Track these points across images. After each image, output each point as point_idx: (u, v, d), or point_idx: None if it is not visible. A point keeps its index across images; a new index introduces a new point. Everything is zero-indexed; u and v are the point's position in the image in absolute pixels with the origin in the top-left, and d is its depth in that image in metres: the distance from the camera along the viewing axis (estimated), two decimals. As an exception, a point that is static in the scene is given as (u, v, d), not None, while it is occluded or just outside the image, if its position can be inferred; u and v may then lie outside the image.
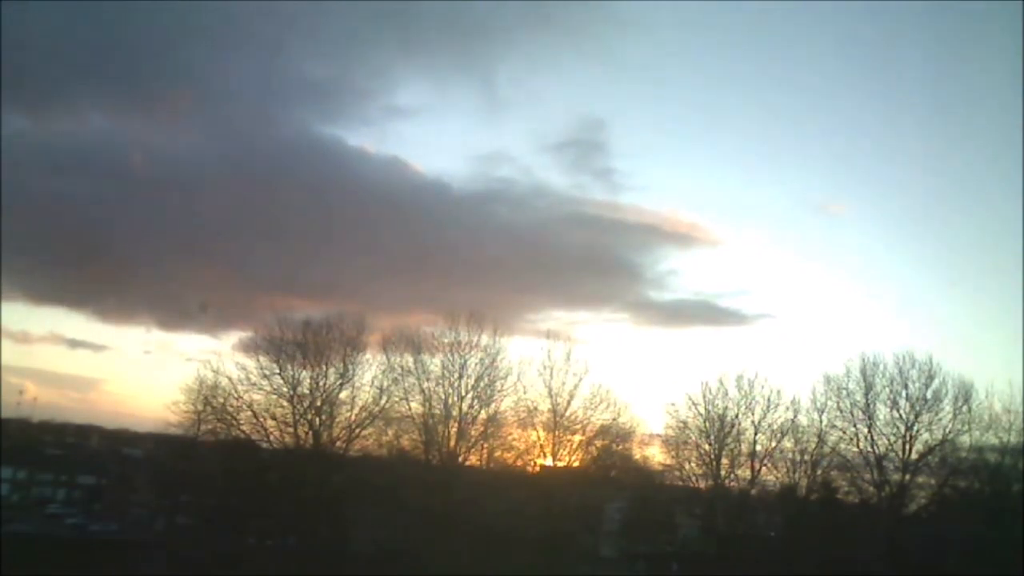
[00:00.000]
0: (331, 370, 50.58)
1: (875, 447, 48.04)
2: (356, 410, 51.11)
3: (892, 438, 47.71)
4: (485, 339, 51.95)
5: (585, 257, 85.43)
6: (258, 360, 50.01)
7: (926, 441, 47.46)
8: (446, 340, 51.88)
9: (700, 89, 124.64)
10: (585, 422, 52.51)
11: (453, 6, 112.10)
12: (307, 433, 50.45)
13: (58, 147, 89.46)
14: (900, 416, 47.69)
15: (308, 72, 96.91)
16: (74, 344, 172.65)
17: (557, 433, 52.52)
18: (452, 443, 51.40)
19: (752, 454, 50.65)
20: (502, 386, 51.84)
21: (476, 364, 51.85)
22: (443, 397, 51.21)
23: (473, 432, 51.78)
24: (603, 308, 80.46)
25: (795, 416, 50.20)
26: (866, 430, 48.23)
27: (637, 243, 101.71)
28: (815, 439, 49.43)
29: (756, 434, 50.53)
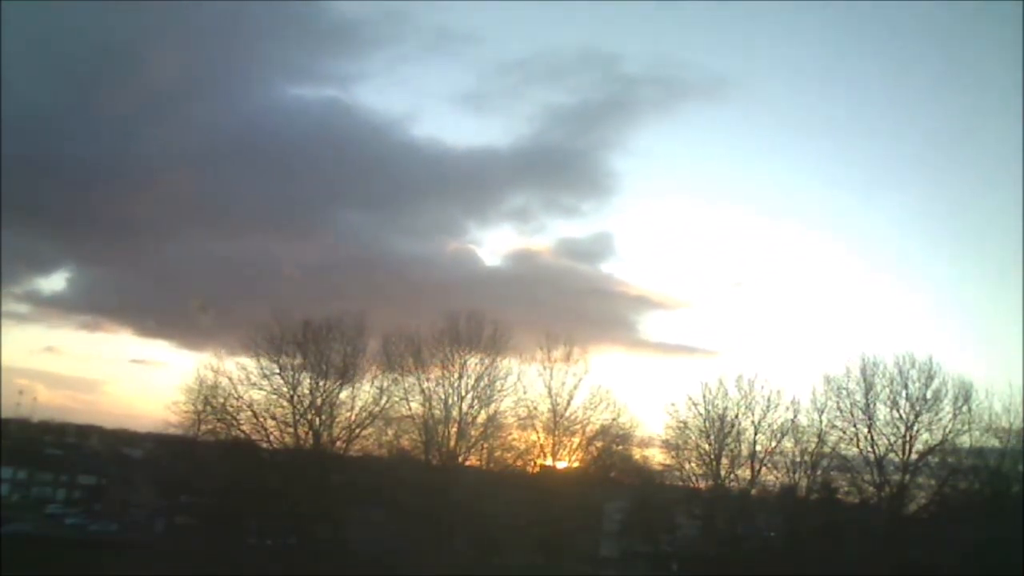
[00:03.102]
0: (331, 370, 50.63)
1: (875, 447, 47.94)
2: (356, 410, 51.16)
3: (892, 438, 47.59)
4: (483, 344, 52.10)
5: (591, 314, 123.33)
6: (258, 360, 50.13)
7: (926, 441, 47.31)
8: (445, 341, 52.00)
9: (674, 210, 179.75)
10: (585, 422, 52.60)
11: (511, 202, 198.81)
12: (307, 433, 50.46)
13: (220, 253, 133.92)
14: (900, 416, 47.56)
15: (407, 224, 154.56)
16: (135, 361, 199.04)
17: (557, 433, 52.61)
18: (452, 443, 51.40)
19: (752, 454, 50.53)
20: (502, 386, 51.95)
21: (476, 364, 51.98)
22: (443, 397, 51.26)
23: (473, 432, 51.77)
24: (602, 345, 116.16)
25: (795, 416, 50.10)
26: (866, 430, 48.11)
27: (632, 308, 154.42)
28: (815, 439, 49.26)
29: (756, 434, 50.43)
